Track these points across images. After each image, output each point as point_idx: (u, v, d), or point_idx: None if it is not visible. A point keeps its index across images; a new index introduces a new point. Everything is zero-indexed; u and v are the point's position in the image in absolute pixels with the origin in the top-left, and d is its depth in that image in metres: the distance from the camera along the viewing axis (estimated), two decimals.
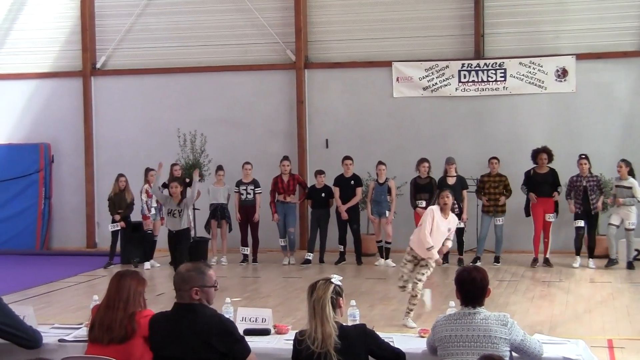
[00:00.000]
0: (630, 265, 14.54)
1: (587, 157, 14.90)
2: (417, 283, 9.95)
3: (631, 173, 14.73)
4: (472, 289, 5.40)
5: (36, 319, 6.60)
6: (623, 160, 14.78)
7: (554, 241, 15.32)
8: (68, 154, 19.03)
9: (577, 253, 14.91)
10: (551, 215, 14.93)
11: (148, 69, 18.57)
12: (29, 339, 6.11)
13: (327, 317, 5.19)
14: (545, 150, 15.08)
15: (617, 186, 14.73)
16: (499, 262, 15.17)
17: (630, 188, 14.56)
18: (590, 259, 14.78)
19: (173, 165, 16.32)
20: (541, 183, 14.95)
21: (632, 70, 16.59)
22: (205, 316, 5.25)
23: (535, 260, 14.98)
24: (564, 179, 15.05)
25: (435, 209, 10.01)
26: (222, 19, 18.23)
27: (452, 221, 10.19)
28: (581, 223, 14.81)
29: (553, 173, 15.06)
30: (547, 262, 14.92)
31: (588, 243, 14.91)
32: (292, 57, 17.90)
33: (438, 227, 9.89)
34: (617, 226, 14.64)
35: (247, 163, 16.21)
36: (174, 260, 13.42)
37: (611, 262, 14.63)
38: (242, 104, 18.20)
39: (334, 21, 17.87)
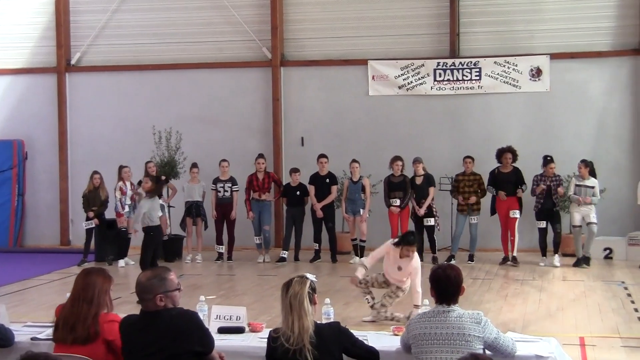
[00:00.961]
0: (586, 261, 14.65)
1: (552, 160, 14.99)
2: (384, 306, 9.98)
3: (592, 173, 14.90)
4: (446, 287, 5.42)
5: (8, 317, 6.56)
6: (583, 161, 14.96)
7: (522, 239, 15.42)
8: (42, 150, 18.90)
9: (543, 253, 15.03)
10: (515, 211, 15.01)
11: (123, 66, 18.48)
12: (1, 338, 6.06)
13: (306, 311, 5.20)
14: (510, 149, 15.18)
15: (578, 185, 14.85)
16: (473, 261, 15.26)
17: (592, 187, 14.74)
18: (556, 255, 14.90)
19: (147, 162, 16.25)
20: (505, 182, 15.06)
21: (606, 70, 16.72)
22: (173, 317, 5.18)
23: (505, 259, 15.07)
24: (531, 177, 15.14)
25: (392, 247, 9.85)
26: (197, 15, 18.18)
27: (409, 266, 9.79)
28: (543, 224, 14.95)
29: (517, 172, 15.17)
30: (514, 260, 14.99)
31: (553, 239, 15.00)
32: (268, 54, 17.88)
33: (393, 262, 9.89)
34: (580, 226, 14.80)
35: (224, 160, 16.18)
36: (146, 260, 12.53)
37: (579, 262, 14.74)
38: (217, 101, 18.17)
39: (310, 19, 17.88)
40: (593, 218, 14.74)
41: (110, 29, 18.61)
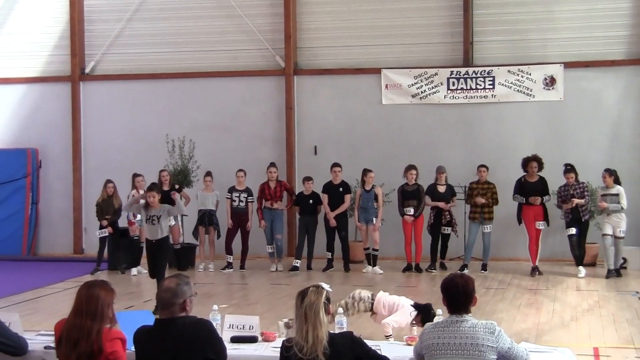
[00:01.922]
0: (618, 273, 14.58)
1: (572, 169, 14.91)
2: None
3: (617, 181, 14.79)
4: (455, 296, 5.40)
5: (22, 326, 6.57)
6: (607, 170, 14.85)
7: (543, 249, 15.35)
8: (56, 159, 18.97)
9: (579, 262, 14.88)
10: (541, 222, 14.95)
11: (137, 75, 18.54)
12: (14, 346, 6.06)
13: (321, 322, 5.18)
14: (536, 158, 15.12)
15: (603, 195, 14.77)
16: (486, 270, 15.20)
17: (617, 195, 14.63)
18: (580, 267, 14.81)
19: (161, 171, 16.29)
20: (531, 191, 14.98)
21: (620, 78, 16.67)
22: (186, 325, 5.19)
23: (534, 269, 14.93)
24: (551, 187, 15.09)
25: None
26: (211, 24, 18.23)
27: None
28: (573, 231, 14.79)
29: (543, 181, 15.10)
30: (536, 270, 14.90)
31: (577, 251, 14.92)
32: (282, 63, 17.90)
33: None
34: (612, 235, 14.66)
35: (241, 170, 16.17)
36: (154, 270, 12.08)
37: (610, 273, 14.58)
38: (231, 110, 18.20)
39: (324, 28, 17.89)
40: (620, 233, 14.57)
41: (125, 37, 18.68)
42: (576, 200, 14.62)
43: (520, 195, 15.02)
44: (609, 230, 14.65)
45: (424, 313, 8.61)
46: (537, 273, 14.82)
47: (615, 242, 14.66)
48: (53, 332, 5.57)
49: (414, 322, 8.57)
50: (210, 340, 5.22)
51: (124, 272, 15.64)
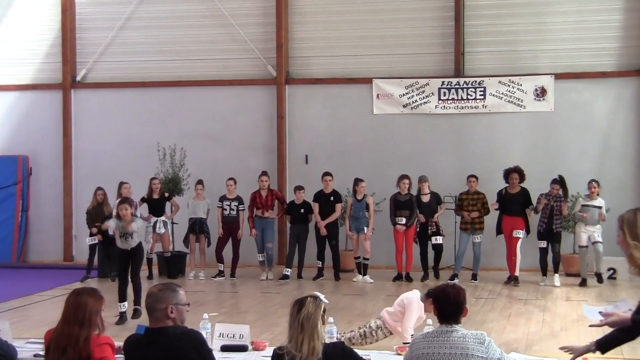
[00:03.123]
0: (599, 278, 14.65)
1: (561, 182, 14.97)
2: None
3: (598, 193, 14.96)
4: (445, 306, 5.40)
5: (11, 334, 6.56)
6: (595, 181, 14.94)
7: (525, 259, 15.39)
8: (46, 166, 18.93)
9: (543, 273, 14.98)
10: (519, 231, 14.99)
11: (128, 83, 18.52)
12: (3, 354, 6.05)
13: (318, 334, 5.17)
14: (517, 170, 15.19)
15: (584, 205, 14.85)
16: (476, 280, 15.23)
17: (600, 207, 14.74)
18: (556, 275, 14.87)
19: (152, 179, 16.28)
20: (512, 202, 15.05)
21: (610, 90, 16.74)
22: (177, 335, 5.17)
23: (509, 278, 15.02)
24: (536, 197, 15.14)
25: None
26: (203, 33, 18.24)
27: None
28: (544, 244, 14.91)
29: (524, 193, 15.17)
30: (515, 279, 14.95)
31: (553, 259, 14.95)
32: (273, 72, 17.93)
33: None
34: (587, 246, 14.78)
35: (231, 179, 16.18)
36: (125, 277, 11.88)
37: (584, 282, 14.73)
38: (222, 118, 18.20)
39: (315, 37, 17.92)
40: (598, 237, 14.73)
41: (116, 46, 18.67)
42: (543, 200, 14.76)
43: (501, 206, 15.08)
44: (584, 241, 14.77)
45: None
46: (512, 282, 14.85)
47: (595, 247, 14.74)
48: (43, 341, 5.56)
49: (427, 310, 8.27)
50: (199, 351, 5.19)
51: (114, 279, 15.54)
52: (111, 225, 12.18)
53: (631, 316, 4.86)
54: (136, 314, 11.43)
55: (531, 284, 14.95)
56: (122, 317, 11.49)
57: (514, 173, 15.16)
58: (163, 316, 5.19)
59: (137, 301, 11.56)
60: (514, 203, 15.04)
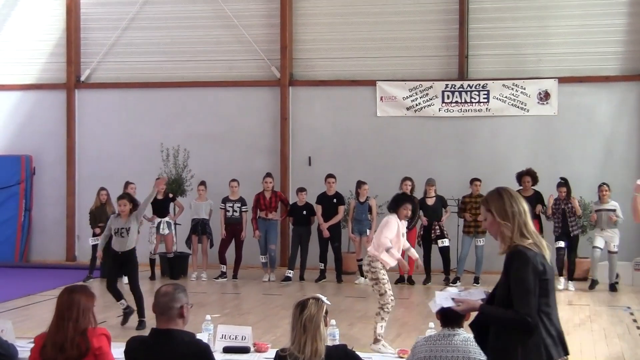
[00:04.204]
0: (612, 288, 14.64)
1: (565, 184, 14.98)
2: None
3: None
4: (451, 311, 5.41)
5: (14, 333, 6.57)
6: (606, 184, 14.92)
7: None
8: (50, 166, 18.95)
9: (560, 274, 14.93)
10: None
11: (132, 83, 18.55)
12: (4, 354, 6.06)
13: (321, 335, 5.17)
14: (529, 172, 15.18)
15: (597, 210, 14.83)
16: (478, 283, 15.20)
17: (614, 210, 14.69)
18: (570, 282, 14.85)
19: (158, 179, 16.27)
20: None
21: (614, 94, 16.74)
22: (184, 342, 5.16)
23: None
24: (545, 201, 15.15)
25: (396, 218, 9.68)
26: (208, 34, 18.26)
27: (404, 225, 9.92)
28: (562, 244, 14.87)
29: (537, 195, 15.15)
30: None
31: (567, 266, 14.96)
32: (277, 74, 17.94)
33: (400, 233, 9.67)
34: (601, 249, 14.74)
35: (234, 180, 16.19)
36: (114, 283, 11.40)
37: (594, 284, 14.69)
38: (226, 119, 18.21)
39: (320, 39, 17.94)
40: (614, 247, 14.67)
41: (120, 46, 18.70)
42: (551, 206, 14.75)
43: None
44: (600, 243, 14.73)
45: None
46: None
47: (610, 257, 14.73)
48: (33, 342, 5.57)
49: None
50: None
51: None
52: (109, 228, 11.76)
53: (480, 305, 4.88)
54: (141, 325, 10.95)
55: None
56: (127, 311, 11.14)
57: (526, 176, 15.15)
58: (177, 315, 5.20)
59: (141, 313, 11.06)
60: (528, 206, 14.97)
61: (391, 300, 9.45)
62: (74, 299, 5.42)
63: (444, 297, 5.08)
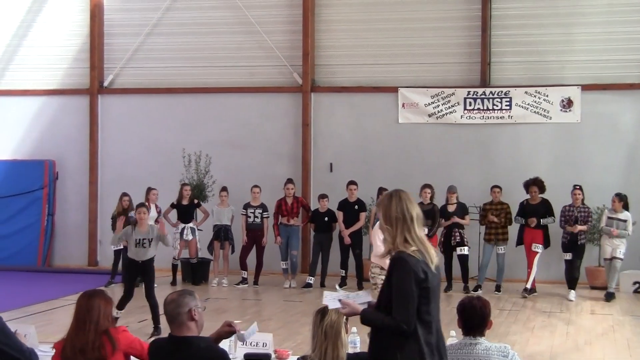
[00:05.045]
0: (609, 297, 14.47)
1: (580, 188, 14.92)
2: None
3: (625, 207, 14.77)
4: (471, 318, 5.40)
5: (37, 338, 6.60)
6: (617, 195, 14.83)
7: (549, 271, 15.32)
8: (73, 171, 19.06)
9: (570, 286, 14.80)
10: (538, 245, 14.89)
11: (155, 89, 18.63)
12: (24, 358, 6.08)
13: (342, 342, 5.17)
14: (536, 182, 15.09)
15: (610, 218, 14.74)
16: (500, 291, 15.15)
17: (625, 221, 14.61)
18: (571, 290, 14.72)
19: (183, 185, 16.38)
20: (533, 214, 14.96)
21: (637, 102, 16.61)
22: (200, 348, 5.16)
23: (525, 289, 14.90)
24: (559, 208, 15.03)
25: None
26: (230, 40, 18.31)
27: None
28: (569, 256, 14.81)
29: (545, 204, 15.06)
30: (525, 290, 14.84)
31: (572, 273, 14.83)
32: (299, 80, 17.96)
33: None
34: (611, 259, 14.66)
35: (256, 186, 16.21)
36: (130, 291, 11.54)
37: (610, 296, 14.52)
38: (247, 125, 18.24)
39: (341, 46, 17.94)
40: (620, 253, 14.57)
41: (143, 52, 18.79)
42: (579, 227, 14.58)
43: (523, 217, 15.04)
44: (609, 254, 14.67)
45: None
46: (526, 294, 14.74)
47: (612, 262, 14.62)
48: (53, 350, 5.61)
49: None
50: None
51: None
52: (115, 241, 12.05)
53: (361, 310, 4.89)
54: (156, 331, 10.99)
55: (555, 296, 14.85)
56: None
57: (532, 186, 15.08)
58: (187, 319, 5.20)
59: (156, 320, 11.11)
60: (534, 214, 14.96)
61: None
62: (94, 303, 5.47)
63: (332, 299, 5.08)
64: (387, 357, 4.80)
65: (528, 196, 15.16)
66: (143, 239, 11.46)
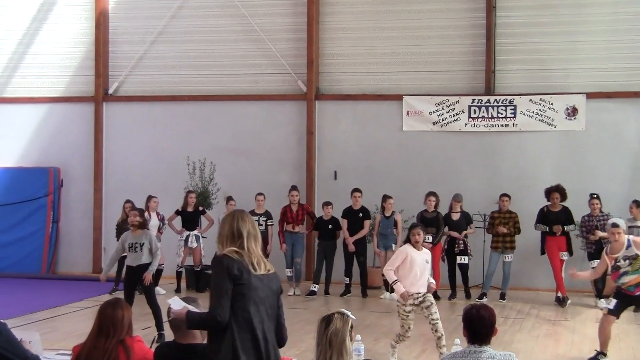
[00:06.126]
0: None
1: (598, 197, 14.89)
2: (437, 323, 9.61)
3: None
4: (479, 327, 5.38)
5: (42, 345, 6.60)
6: (635, 202, 14.79)
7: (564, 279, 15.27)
8: (77, 178, 19.08)
9: (599, 295, 14.74)
10: (564, 253, 14.89)
11: (160, 96, 18.66)
12: None
13: (347, 350, 5.17)
14: (558, 189, 15.05)
15: (630, 227, 14.66)
16: (504, 299, 15.12)
17: None
18: (599, 299, 14.67)
19: (189, 192, 16.38)
20: (554, 221, 14.91)
21: None
22: (206, 355, 5.18)
23: (559, 299, 14.83)
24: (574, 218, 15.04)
25: (407, 247, 9.91)
26: (234, 48, 18.34)
27: (427, 253, 10.13)
28: (596, 264, 14.69)
29: (566, 212, 15.02)
30: (559, 300, 14.80)
31: (600, 283, 14.72)
32: (303, 88, 17.97)
33: (414, 261, 9.77)
34: None
35: (260, 194, 16.22)
36: (130, 298, 11.46)
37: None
38: (252, 133, 18.25)
39: (346, 53, 17.96)
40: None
41: (148, 59, 18.82)
42: (600, 233, 14.48)
43: (545, 224, 14.99)
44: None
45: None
46: (565, 303, 14.68)
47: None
48: (71, 353, 5.62)
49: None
50: None
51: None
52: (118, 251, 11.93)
53: (185, 312, 5.21)
54: (161, 338, 11.01)
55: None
56: None
57: (555, 192, 15.01)
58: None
59: (159, 326, 11.12)
60: (556, 222, 14.91)
61: (405, 332, 9.82)
62: (118, 313, 5.51)
63: (177, 302, 5.29)
64: (209, 346, 5.13)
65: (547, 204, 15.06)
66: (135, 243, 11.50)
